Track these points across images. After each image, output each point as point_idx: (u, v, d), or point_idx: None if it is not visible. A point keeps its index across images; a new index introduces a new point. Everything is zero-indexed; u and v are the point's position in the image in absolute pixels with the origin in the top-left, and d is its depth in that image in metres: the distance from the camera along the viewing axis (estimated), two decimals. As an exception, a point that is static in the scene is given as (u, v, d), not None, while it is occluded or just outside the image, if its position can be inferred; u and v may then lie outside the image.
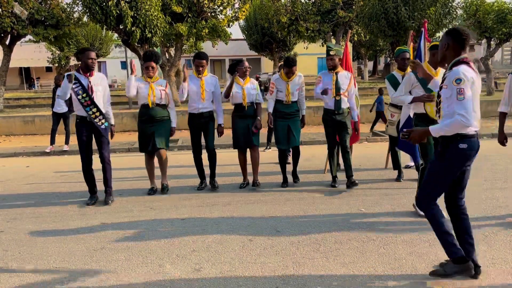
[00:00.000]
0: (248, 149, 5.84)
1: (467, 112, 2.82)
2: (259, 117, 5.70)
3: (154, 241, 4.03)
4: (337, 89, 5.53)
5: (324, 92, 5.43)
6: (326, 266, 3.39)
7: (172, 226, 4.45)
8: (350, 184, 5.55)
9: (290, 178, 6.05)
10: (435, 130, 2.99)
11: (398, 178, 6.02)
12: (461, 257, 2.97)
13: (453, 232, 3.06)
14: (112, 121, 5.44)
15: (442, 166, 3.05)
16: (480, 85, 3.03)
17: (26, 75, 37.76)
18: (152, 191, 5.74)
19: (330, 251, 3.68)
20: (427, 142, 4.23)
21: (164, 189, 5.73)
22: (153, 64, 5.46)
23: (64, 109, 9.49)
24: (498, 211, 4.61)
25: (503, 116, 4.59)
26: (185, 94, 5.50)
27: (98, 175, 5.43)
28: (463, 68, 2.91)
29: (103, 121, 5.20)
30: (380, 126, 10.98)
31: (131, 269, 3.44)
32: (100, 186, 5.46)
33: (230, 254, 3.68)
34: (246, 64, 5.74)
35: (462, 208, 3.18)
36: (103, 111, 5.21)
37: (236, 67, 5.71)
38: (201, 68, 5.58)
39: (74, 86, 5.05)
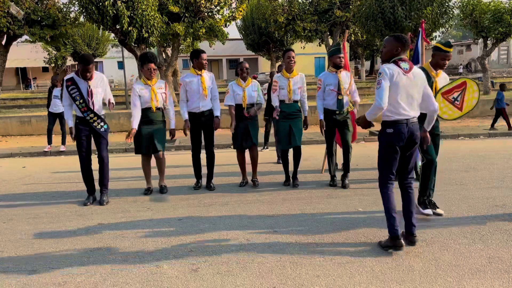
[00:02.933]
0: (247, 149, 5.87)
1: (380, 98, 3.54)
2: (255, 108, 5.71)
3: (151, 241, 4.02)
4: (340, 88, 5.59)
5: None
6: (323, 266, 3.38)
7: (169, 226, 4.44)
8: (344, 185, 5.73)
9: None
10: (367, 115, 3.70)
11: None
12: (395, 236, 3.60)
13: (395, 215, 3.62)
14: (112, 100, 5.34)
15: (380, 148, 3.75)
16: (413, 79, 3.60)
17: (23, 75, 37.62)
18: (148, 191, 5.72)
19: (327, 250, 3.68)
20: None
21: (163, 190, 5.71)
22: (154, 66, 5.43)
23: (60, 109, 9.47)
24: (495, 210, 4.62)
25: None
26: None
27: (96, 176, 5.42)
28: (388, 65, 3.63)
29: (101, 124, 5.21)
30: (499, 123, 10.66)
31: (128, 270, 3.43)
32: (97, 185, 5.45)
33: (227, 254, 3.68)
34: (246, 65, 5.76)
35: (408, 184, 3.81)
36: (102, 113, 5.23)
37: (237, 69, 5.78)
38: (206, 62, 5.60)
39: (72, 92, 5.07)
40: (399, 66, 3.60)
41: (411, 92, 3.63)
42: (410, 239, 3.72)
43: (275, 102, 5.75)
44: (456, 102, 4.37)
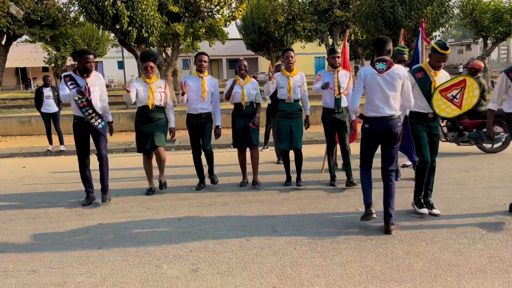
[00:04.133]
0: (248, 149, 5.86)
1: (352, 99, 4.15)
2: (257, 115, 5.71)
3: (151, 241, 4.02)
4: (338, 87, 5.57)
5: (325, 86, 5.45)
6: (323, 266, 3.38)
7: (169, 226, 4.43)
8: (349, 183, 5.65)
9: (293, 178, 6.01)
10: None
11: (395, 178, 6.01)
12: (367, 204, 4.14)
13: (369, 189, 4.16)
14: (110, 118, 5.46)
15: (361, 139, 4.21)
16: (388, 78, 3.92)
17: (23, 75, 37.61)
18: (150, 191, 5.72)
19: (327, 250, 3.68)
20: (421, 139, 4.38)
21: (162, 187, 5.71)
22: (152, 64, 5.43)
23: (54, 109, 9.42)
24: (495, 209, 4.61)
25: (491, 113, 4.59)
26: (184, 100, 5.58)
27: (95, 176, 5.41)
28: (365, 67, 4.10)
29: (99, 121, 5.20)
30: None
31: (128, 270, 3.42)
32: (96, 185, 5.44)
33: (227, 254, 3.68)
34: (245, 63, 5.77)
35: (389, 175, 4.11)
36: (100, 111, 5.22)
37: (236, 67, 5.79)
38: (204, 63, 5.61)
39: (71, 87, 5.06)
40: (374, 67, 3.97)
41: (386, 91, 3.94)
42: (386, 228, 4.02)
43: (268, 89, 5.69)
44: (455, 100, 4.33)
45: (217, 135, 5.80)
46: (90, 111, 5.13)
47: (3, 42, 14.68)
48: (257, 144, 5.81)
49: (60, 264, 3.57)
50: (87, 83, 5.09)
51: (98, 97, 5.22)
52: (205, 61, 5.63)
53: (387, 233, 3.99)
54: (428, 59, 4.47)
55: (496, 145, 7.84)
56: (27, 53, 32.63)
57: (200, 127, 5.71)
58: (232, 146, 5.93)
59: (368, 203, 4.16)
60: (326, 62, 5.96)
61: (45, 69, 37.05)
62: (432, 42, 4.57)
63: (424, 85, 4.34)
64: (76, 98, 5.06)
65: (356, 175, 6.26)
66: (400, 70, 3.98)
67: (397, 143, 4.05)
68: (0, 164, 8.50)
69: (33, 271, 3.47)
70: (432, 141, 4.45)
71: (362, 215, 4.20)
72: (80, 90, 5.00)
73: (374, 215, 4.09)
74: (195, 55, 5.79)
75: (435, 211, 4.50)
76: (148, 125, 5.49)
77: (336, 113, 5.64)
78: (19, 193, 6.07)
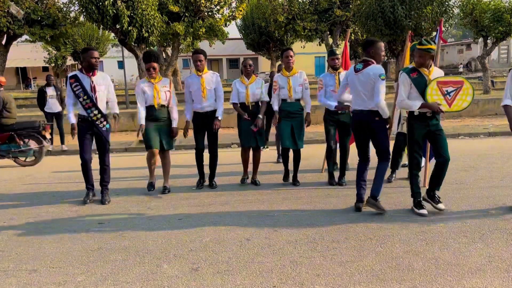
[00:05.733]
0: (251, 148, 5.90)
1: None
2: (260, 115, 5.70)
3: (151, 241, 4.02)
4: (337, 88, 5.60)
5: (341, 108, 5.39)
6: (323, 265, 3.39)
7: (169, 225, 4.44)
8: (339, 181, 5.84)
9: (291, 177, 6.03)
10: None
11: (389, 178, 5.96)
12: (357, 199, 4.68)
13: (362, 184, 4.68)
14: (117, 110, 5.47)
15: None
16: (361, 77, 4.44)
17: (23, 75, 37.61)
18: (151, 186, 5.69)
19: (327, 250, 3.68)
20: (415, 142, 4.55)
21: (164, 191, 5.71)
22: (155, 65, 5.43)
23: (58, 108, 9.43)
24: (495, 209, 4.62)
25: (509, 108, 4.57)
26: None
27: (96, 175, 5.42)
28: (351, 67, 4.69)
29: (104, 123, 5.21)
30: None
31: (128, 269, 3.43)
32: (96, 184, 5.45)
33: (227, 253, 3.68)
34: (250, 62, 5.81)
35: (382, 160, 4.58)
36: (105, 112, 5.23)
37: (241, 66, 5.85)
38: (199, 63, 5.57)
39: (75, 88, 5.07)
40: (354, 67, 4.55)
41: (360, 88, 4.49)
42: (368, 200, 4.56)
43: (275, 106, 5.73)
44: (447, 96, 4.34)
45: (216, 125, 5.63)
46: (96, 111, 5.14)
47: (3, 42, 14.67)
48: (261, 146, 5.85)
49: (61, 264, 3.57)
50: (92, 81, 5.10)
51: (105, 96, 5.24)
52: (200, 60, 5.55)
53: (367, 204, 4.56)
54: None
55: (29, 159, 8.09)
56: (27, 53, 32.61)
57: (206, 126, 5.71)
58: (231, 146, 5.92)
59: (358, 197, 4.67)
60: (326, 63, 5.97)
61: (45, 69, 37.06)
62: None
63: (420, 84, 4.35)
64: (81, 100, 5.08)
65: (353, 175, 6.28)
66: (372, 70, 4.40)
67: (380, 134, 4.50)
68: (0, 163, 8.50)
69: (34, 270, 3.47)
70: (437, 138, 4.46)
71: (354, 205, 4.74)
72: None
73: (360, 209, 4.62)
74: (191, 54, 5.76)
75: (440, 205, 4.50)
76: (155, 123, 5.50)
77: (339, 115, 5.66)
78: (20, 193, 6.08)
